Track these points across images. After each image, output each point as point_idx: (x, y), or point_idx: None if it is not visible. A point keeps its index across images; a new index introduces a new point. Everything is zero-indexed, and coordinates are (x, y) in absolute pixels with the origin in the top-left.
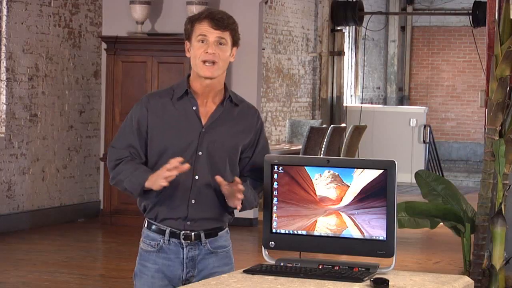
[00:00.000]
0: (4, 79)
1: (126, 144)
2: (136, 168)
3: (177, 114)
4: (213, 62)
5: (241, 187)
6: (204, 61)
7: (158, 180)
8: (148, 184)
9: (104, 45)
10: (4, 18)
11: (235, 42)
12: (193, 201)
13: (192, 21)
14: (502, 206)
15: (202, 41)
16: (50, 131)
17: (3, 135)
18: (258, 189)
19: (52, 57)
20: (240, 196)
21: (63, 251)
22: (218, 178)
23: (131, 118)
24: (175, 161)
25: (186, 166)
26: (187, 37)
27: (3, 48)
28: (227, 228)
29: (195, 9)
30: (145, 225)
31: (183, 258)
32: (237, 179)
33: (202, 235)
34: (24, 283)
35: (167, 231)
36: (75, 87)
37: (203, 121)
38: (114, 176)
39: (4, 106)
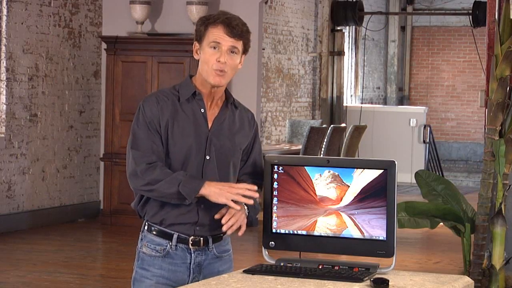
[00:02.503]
0: (4, 79)
1: (150, 147)
2: (180, 174)
3: (184, 116)
4: (224, 71)
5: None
6: (215, 70)
7: (220, 197)
8: (204, 192)
9: (104, 45)
10: (4, 18)
11: (246, 51)
12: (202, 206)
13: (207, 24)
14: (502, 206)
15: (214, 48)
16: (50, 131)
17: (3, 135)
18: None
19: (52, 57)
20: (240, 232)
21: (63, 251)
22: (217, 217)
23: (145, 118)
24: (249, 187)
25: (256, 195)
26: (198, 38)
27: (3, 48)
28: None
29: (195, 9)
30: (146, 228)
31: (190, 263)
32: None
33: (210, 240)
34: (24, 283)
35: (175, 236)
36: (75, 87)
37: (209, 124)
38: (149, 181)
39: (4, 106)
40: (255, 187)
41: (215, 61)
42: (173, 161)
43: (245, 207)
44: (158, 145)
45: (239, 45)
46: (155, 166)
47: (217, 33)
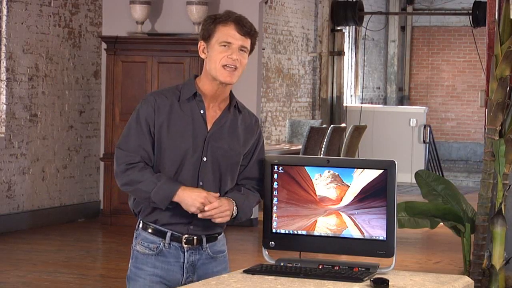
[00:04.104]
0: (4, 79)
1: (136, 146)
2: (158, 178)
3: (183, 116)
4: (235, 68)
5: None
6: (225, 66)
7: (191, 207)
8: (177, 199)
9: (104, 45)
10: (4, 18)
11: (251, 50)
12: None
13: (217, 22)
14: (502, 206)
15: (225, 46)
16: (50, 131)
17: (3, 135)
18: (252, 199)
19: (52, 57)
20: (215, 220)
21: (63, 251)
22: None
23: (139, 118)
24: (213, 199)
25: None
26: (206, 37)
27: (3, 48)
28: (223, 233)
29: (195, 9)
30: (140, 226)
31: (183, 262)
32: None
33: (204, 239)
34: (24, 283)
35: (168, 234)
36: (75, 87)
37: (208, 126)
38: (127, 182)
39: (4, 106)
40: (225, 208)
41: (226, 57)
42: (170, 160)
43: (234, 205)
44: (146, 146)
45: (248, 44)
46: (135, 166)
47: (227, 31)
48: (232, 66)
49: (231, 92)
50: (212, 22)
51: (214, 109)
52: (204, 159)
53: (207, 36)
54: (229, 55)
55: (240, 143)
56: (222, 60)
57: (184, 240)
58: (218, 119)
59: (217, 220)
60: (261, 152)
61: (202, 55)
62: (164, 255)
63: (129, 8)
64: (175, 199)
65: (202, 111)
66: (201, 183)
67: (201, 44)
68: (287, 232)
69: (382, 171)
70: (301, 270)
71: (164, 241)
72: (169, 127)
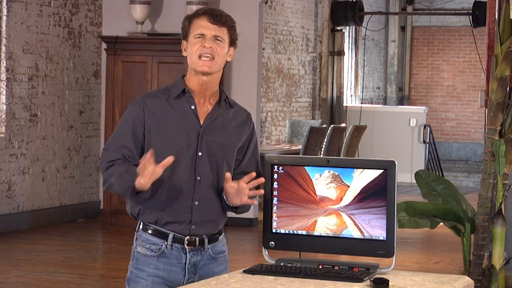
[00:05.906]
0: (4, 79)
1: (120, 146)
2: (126, 170)
3: (174, 114)
4: (211, 57)
5: (262, 179)
6: (201, 56)
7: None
8: (137, 185)
9: (104, 45)
10: (4, 18)
11: (233, 42)
12: (196, 203)
13: (190, 17)
14: (502, 206)
15: (199, 37)
16: (50, 131)
17: (3, 135)
18: None
19: (52, 57)
20: (256, 192)
21: (63, 251)
22: (228, 175)
23: (126, 119)
24: (148, 156)
25: (170, 158)
26: (184, 35)
27: (3, 48)
28: (223, 233)
29: (195, 9)
30: (141, 228)
31: (185, 263)
32: (247, 177)
33: (206, 240)
34: (24, 283)
35: (170, 236)
36: (75, 87)
37: (201, 121)
38: (105, 178)
39: (4, 106)
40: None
41: (200, 47)
42: (165, 158)
43: None
44: (129, 144)
45: (223, 33)
46: (114, 163)
47: (200, 23)
48: (208, 55)
49: (221, 87)
50: (187, 19)
51: (205, 104)
52: (200, 153)
53: (185, 34)
54: (203, 44)
55: (234, 136)
56: (197, 51)
57: (186, 242)
58: (210, 114)
59: (253, 193)
60: (255, 147)
61: (184, 53)
62: (166, 257)
63: (129, 8)
64: (137, 186)
65: (193, 107)
66: (198, 178)
67: (183, 43)
68: (287, 232)
69: (382, 171)
70: (301, 270)
71: (166, 243)
72: (161, 126)
